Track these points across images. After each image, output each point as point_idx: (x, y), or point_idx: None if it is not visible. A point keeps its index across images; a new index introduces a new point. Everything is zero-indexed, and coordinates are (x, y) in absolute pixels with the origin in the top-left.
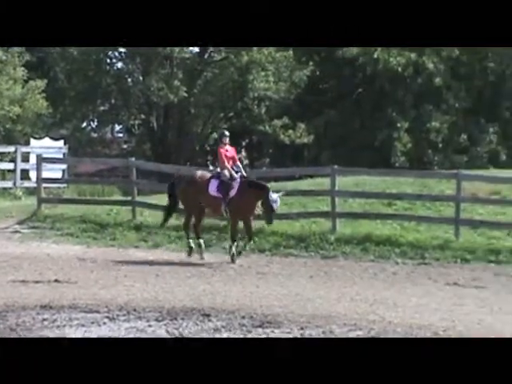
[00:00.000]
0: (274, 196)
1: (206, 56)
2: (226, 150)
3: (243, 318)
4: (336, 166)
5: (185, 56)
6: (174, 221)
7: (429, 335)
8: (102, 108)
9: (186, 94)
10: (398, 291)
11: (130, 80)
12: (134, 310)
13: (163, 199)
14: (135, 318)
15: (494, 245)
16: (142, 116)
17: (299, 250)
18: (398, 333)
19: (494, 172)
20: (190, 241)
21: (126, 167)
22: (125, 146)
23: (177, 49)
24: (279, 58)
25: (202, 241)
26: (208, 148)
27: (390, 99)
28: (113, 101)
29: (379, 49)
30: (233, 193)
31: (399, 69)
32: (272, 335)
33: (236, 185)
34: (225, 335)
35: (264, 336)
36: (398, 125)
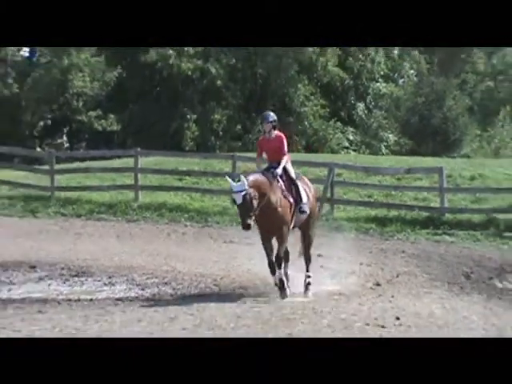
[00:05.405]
0: (234, 186)
1: (34, 59)
2: (267, 140)
3: (62, 269)
4: (139, 149)
5: (17, 59)
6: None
7: (209, 281)
8: None
9: (17, 90)
10: (186, 248)
11: None
12: None
13: None
14: None
15: None
16: None
17: (109, 215)
18: (186, 280)
19: None
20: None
21: None
22: None
23: (9, 52)
24: (93, 63)
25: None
26: (36, 134)
27: (182, 97)
28: None
29: (173, 56)
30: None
31: (189, 72)
32: (86, 283)
33: None
34: (48, 282)
35: (79, 282)
36: (188, 117)
